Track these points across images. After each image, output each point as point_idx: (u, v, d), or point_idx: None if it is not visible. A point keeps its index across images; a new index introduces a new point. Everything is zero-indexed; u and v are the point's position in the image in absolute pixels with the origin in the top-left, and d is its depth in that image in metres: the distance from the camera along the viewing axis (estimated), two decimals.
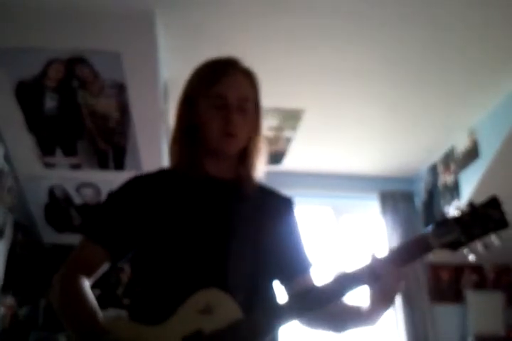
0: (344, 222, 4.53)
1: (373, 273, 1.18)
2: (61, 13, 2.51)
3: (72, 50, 2.72)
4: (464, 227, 1.20)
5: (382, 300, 1.20)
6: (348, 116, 3.60)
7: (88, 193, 3.54)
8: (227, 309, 1.12)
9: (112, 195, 1.36)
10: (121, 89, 2.88)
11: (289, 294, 1.37)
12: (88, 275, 1.26)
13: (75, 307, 1.18)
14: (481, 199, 1.22)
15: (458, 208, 1.23)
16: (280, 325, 1.15)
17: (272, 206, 1.40)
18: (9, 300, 3.41)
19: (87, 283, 1.24)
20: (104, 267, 1.30)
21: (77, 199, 3.59)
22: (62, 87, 2.89)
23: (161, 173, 1.40)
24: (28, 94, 2.89)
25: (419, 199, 4.48)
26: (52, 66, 2.79)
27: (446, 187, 4.02)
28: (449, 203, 3.94)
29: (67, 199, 3.57)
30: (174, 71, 2.98)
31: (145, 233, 1.29)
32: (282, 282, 1.39)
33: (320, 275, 1.39)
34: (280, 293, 1.36)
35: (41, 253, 3.90)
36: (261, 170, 1.41)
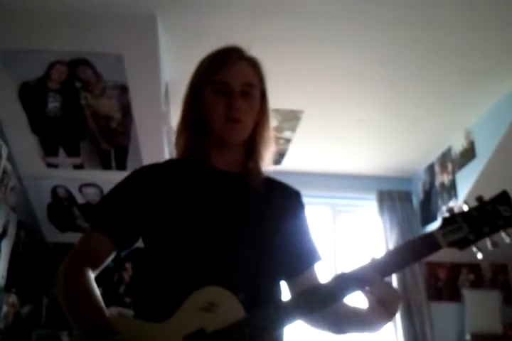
0: (342, 222, 4.56)
1: (362, 277, 1.13)
2: (64, 16, 2.53)
3: (74, 52, 2.74)
4: (473, 225, 1.15)
5: (378, 311, 1.15)
6: (347, 117, 3.62)
7: (90, 193, 3.56)
8: (229, 307, 1.10)
9: (119, 185, 1.33)
10: (123, 90, 2.91)
11: (292, 292, 1.34)
12: (94, 266, 1.23)
13: (81, 302, 1.15)
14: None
15: (465, 202, 1.17)
16: (284, 324, 1.11)
17: (280, 198, 1.36)
18: (12, 298, 3.44)
19: (92, 276, 1.21)
20: (110, 257, 1.27)
21: (80, 199, 3.61)
22: (65, 89, 2.91)
23: (169, 163, 1.38)
24: (31, 95, 2.92)
25: (417, 199, 4.51)
26: (55, 68, 2.81)
27: (443, 186, 4.05)
28: (446, 203, 3.97)
29: (69, 198, 3.60)
30: (175, 73, 3.01)
31: (148, 224, 1.26)
32: (287, 277, 1.34)
33: (324, 272, 1.36)
34: (284, 290, 1.33)
35: (44, 252, 3.93)
36: (269, 160, 1.36)
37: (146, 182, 1.30)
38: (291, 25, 2.72)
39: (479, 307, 4.11)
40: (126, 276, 3.97)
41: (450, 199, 3.89)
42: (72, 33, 2.64)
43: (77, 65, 2.80)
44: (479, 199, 1.17)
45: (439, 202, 4.09)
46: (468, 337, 4.01)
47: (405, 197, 4.49)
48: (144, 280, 1.31)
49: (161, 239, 1.25)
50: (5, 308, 3.32)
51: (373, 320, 1.17)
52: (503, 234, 1.15)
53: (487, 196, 1.18)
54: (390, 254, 1.17)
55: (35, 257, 3.82)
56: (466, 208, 1.17)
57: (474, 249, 1.17)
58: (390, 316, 1.16)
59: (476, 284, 4.29)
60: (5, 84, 2.84)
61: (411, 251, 1.16)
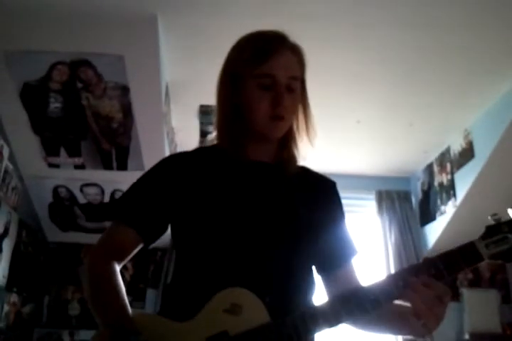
0: None
1: (402, 279, 1.04)
2: (65, 16, 2.54)
3: (75, 52, 2.75)
4: None
5: (416, 319, 1.04)
6: (346, 117, 3.63)
7: (91, 193, 3.58)
8: (254, 311, 1.05)
9: (146, 175, 1.27)
10: (124, 91, 2.91)
11: (328, 288, 1.28)
12: (119, 259, 1.20)
13: (105, 299, 1.12)
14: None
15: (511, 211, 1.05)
16: (310, 334, 1.05)
17: (315, 188, 1.31)
18: (13, 297, 3.45)
19: (118, 270, 1.17)
20: (136, 250, 1.22)
21: (81, 199, 3.63)
22: (66, 89, 2.92)
23: (199, 151, 1.32)
24: (32, 95, 2.93)
25: (416, 199, 4.53)
26: (57, 68, 2.82)
27: (442, 186, 4.06)
28: (445, 203, 3.99)
29: (71, 198, 3.61)
30: (176, 73, 3.02)
31: (178, 215, 1.21)
32: (323, 272, 1.29)
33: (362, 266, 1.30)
34: (319, 287, 1.26)
35: (45, 251, 3.94)
36: (305, 150, 1.32)
37: (174, 171, 1.24)
38: (291, 25, 2.68)
39: (478, 306, 4.11)
40: (127, 275, 3.99)
41: (449, 199, 3.91)
42: (73, 33, 2.64)
43: (78, 65, 2.81)
44: None
45: (438, 202, 4.11)
46: (467, 336, 4.01)
47: (404, 197, 4.50)
48: (172, 275, 1.26)
49: (189, 233, 1.20)
50: (6, 307, 3.33)
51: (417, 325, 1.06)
52: None
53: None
54: (422, 266, 1.06)
55: (36, 257, 3.83)
56: None
57: None
58: (436, 321, 1.04)
59: (475, 283, 4.30)
60: (6, 85, 2.85)
61: (447, 263, 1.05)
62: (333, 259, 1.29)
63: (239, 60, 1.25)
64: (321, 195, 1.32)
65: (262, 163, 1.27)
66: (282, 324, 1.03)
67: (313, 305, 1.14)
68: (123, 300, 1.12)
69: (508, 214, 1.06)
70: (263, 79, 1.20)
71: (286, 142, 1.30)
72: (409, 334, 1.16)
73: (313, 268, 1.28)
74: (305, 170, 1.35)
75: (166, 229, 1.25)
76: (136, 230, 1.20)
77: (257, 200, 1.20)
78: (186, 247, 1.21)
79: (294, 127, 1.30)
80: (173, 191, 1.21)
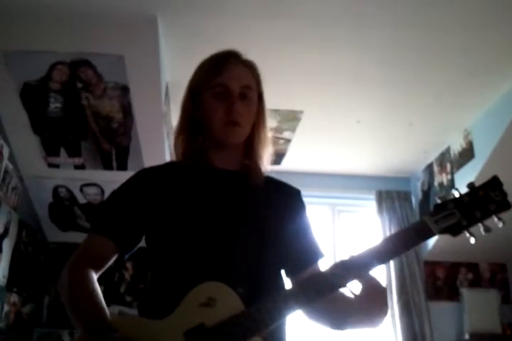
0: (342, 222, 4.58)
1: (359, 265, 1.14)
2: (65, 17, 2.55)
3: (75, 53, 2.76)
4: (465, 210, 1.14)
5: (370, 300, 1.14)
6: (346, 117, 3.64)
7: (91, 193, 3.57)
8: (228, 302, 1.10)
9: (120, 188, 1.34)
10: (124, 91, 2.92)
11: (292, 284, 1.35)
12: (96, 268, 1.25)
13: (83, 303, 1.17)
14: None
15: (456, 189, 1.18)
16: (282, 316, 1.11)
17: (280, 196, 1.38)
18: (13, 297, 3.45)
19: (95, 277, 1.23)
20: (112, 260, 1.29)
21: (81, 199, 3.63)
22: (66, 89, 2.92)
23: (168, 165, 1.40)
24: (32, 95, 2.93)
25: (416, 199, 4.52)
26: (57, 68, 2.83)
27: (442, 186, 4.06)
28: None
29: (71, 198, 3.61)
30: (176, 73, 3.03)
31: (151, 225, 1.27)
32: (290, 273, 1.36)
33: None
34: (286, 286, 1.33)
35: (45, 251, 3.94)
36: (267, 160, 1.38)
37: (147, 184, 1.32)
38: (291, 25, 2.73)
39: (478, 306, 4.11)
40: (127, 275, 3.99)
41: None
42: (74, 33, 2.65)
43: (78, 65, 2.82)
44: (470, 185, 1.18)
45: (438, 202, 4.09)
46: (467, 336, 4.02)
47: (404, 197, 4.50)
48: (146, 280, 1.32)
49: (162, 239, 1.27)
50: (6, 307, 3.33)
51: (368, 312, 1.16)
52: (495, 220, 1.15)
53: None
54: (384, 243, 1.16)
55: (36, 256, 3.84)
56: (457, 194, 1.17)
57: (467, 235, 1.16)
58: (380, 309, 1.16)
59: (475, 283, 4.31)
60: (6, 85, 2.85)
61: (403, 239, 1.15)
62: (300, 262, 1.36)
63: (198, 77, 1.38)
64: (285, 201, 1.39)
65: (227, 170, 1.34)
66: (256, 310, 1.09)
67: (283, 290, 1.23)
68: (100, 303, 1.17)
69: (453, 194, 1.18)
70: (217, 89, 1.31)
71: (249, 152, 1.38)
72: (357, 322, 1.21)
73: (282, 272, 1.35)
74: (270, 179, 1.41)
75: (141, 239, 1.32)
76: (113, 240, 1.26)
77: (223, 205, 1.28)
78: (160, 253, 1.28)
79: (256, 136, 1.38)
80: (146, 202, 1.28)
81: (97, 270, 1.25)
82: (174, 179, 1.32)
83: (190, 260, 1.21)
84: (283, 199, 1.38)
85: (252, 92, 1.35)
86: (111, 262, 1.29)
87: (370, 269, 1.14)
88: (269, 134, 1.40)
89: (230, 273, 1.19)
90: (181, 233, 1.24)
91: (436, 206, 1.17)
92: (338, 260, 1.16)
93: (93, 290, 1.19)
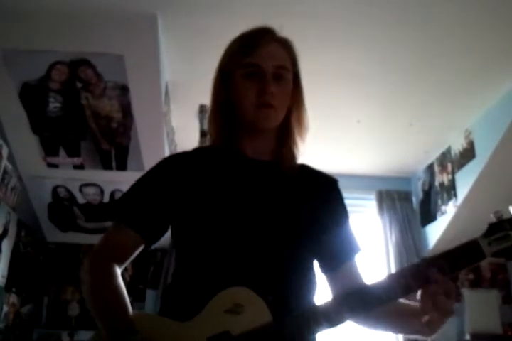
0: None
1: (420, 272, 1.03)
2: (64, 16, 2.54)
3: (75, 52, 2.75)
4: None
5: (432, 310, 1.03)
6: (346, 117, 3.63)
7: (91, 193, 3.57)
8: (256, 310, 1.04)
9: (146, 175, 1.26)
10: (123, 90, 2.91)
11: (332, 286, 1.28)
12: (121, 261, 1.19)
13: (105, 300, 1.12)
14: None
15: None
16: (312, 333, 1.04)
17: (315, 187, 1.29)
18: (12, 298, 3.45)
19: (119, 272, 1.17)
20: (137, 252, 1.22)
21: (80, 199, 3.62)
22: (65, 89, 2.92)
23: (198, 151, 1.32)
24: (32, 95, 2.93)
25: (416, 199, 4.52)
26: (56, 68, 2.82)
27: (442, 186, 4.06)
28: (445, 203, 3.99)
29: (70, 198, 3.61)
30: (176, 73, 3.02)
31: (178, 216, 1.20)
32: (325, 269, 1.28)
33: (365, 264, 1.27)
34: (323, 285, 1.25)
35: (44, 251, 3.94)
36: (303, 147, 1.30)
37: (174, 172, 1.24)
38: (291, 25, 2.69)
39: (479, 306, 4.09)
40: (127, 276, 3.98)
41: (450, 199, 3.90)
42: (73, 33, 2.64)
43: (78, 65, 2.81)
44: None
45: (439, 202, 4.10)
46: (467, 336, 4.00)
47: (405, 197, 4.49)
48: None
49: (190, 233, 1.19)
50: (5, 308, 3.34)
51: (429, 323, 1.06)
52: None
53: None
54: (424, 263, 1.05)
55: (35, 257, 3.83)
56: None
57: None
58: (444, 319, 1.05)
59: (476, 284, 4.29)
60: (6, 85, 2.84)
61: (449, 261, 1.04)
62: (336, 257, 1.28)
63: (228, 56, 1.27)
64: (322, 192, 1.30)
65: (261, 161, 1.26)
66: (284, 323, 1.02)
67: (316, 304, 1.13)
68: (124, 301, 1.12)
69: (509, 212, 1.06)
70: (249, 69, 1.21)
71: (284, 139, 1.29)
72: (412, 332, 1.14)
73: (316, 266, 1.27)
74: (305, 168, 1.34)
75: (167, 229, 1.24)
76: (137, 231, 1.19)
77: (257, 199, 1.19)
78: (187, 247, 1.20)
79: (291, 121, 1.29)
80: (173, 191, 1.21)
81: (120, 263, 1.19)
82: (203, 168, 1.23)
83: (218, 257, 1.13)
84: (318, 190, 1.29)
85: (287, 73, 1.25)
86: (136, 254, 1.22)
87: (416, 284, 1.05)
88: (306, 118, 1.32)
89: (259, 278, 1.10)
90: (209, 228, 1.16)
91: (492, 225, 1.06)
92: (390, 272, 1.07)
93: (116, 288, 1.13)
